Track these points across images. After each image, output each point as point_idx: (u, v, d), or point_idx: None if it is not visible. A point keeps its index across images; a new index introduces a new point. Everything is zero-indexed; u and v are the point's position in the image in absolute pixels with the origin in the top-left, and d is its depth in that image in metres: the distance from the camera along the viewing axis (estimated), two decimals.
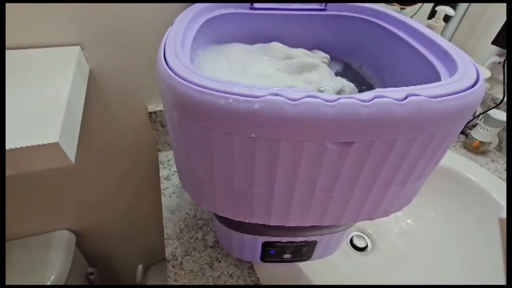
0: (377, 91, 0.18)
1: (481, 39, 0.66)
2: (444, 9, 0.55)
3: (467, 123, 0.69)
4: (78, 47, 0.43)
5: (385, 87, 0.18)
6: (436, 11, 0.57)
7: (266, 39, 0.38)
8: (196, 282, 0.39)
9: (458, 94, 0.18)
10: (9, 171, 0.30)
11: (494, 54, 0.65)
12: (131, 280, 0.95)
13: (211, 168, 0.21)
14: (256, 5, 0.36)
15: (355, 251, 0.58)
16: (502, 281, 0.19)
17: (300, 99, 0.17)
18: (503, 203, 0.52)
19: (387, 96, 0.17)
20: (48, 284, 0.61)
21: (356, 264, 0.56)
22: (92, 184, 0.64)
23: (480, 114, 0.64)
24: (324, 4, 0.36)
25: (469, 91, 0.19)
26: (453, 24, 0.63)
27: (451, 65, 0.22)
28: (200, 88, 0.18)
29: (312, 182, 0.20)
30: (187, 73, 0.19)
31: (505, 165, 0.63)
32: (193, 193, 0.26)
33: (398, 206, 0.25)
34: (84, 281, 0.75)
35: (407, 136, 0.18)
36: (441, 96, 0.18)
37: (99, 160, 0.59)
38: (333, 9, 0.37)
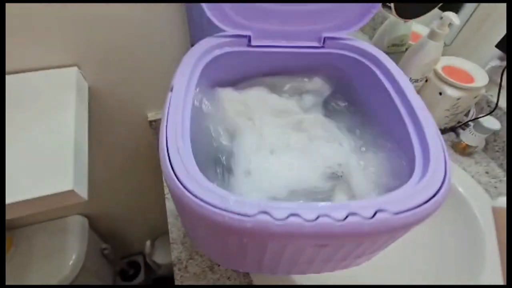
0: (350, 207, 0.21)
1: (485, 42, 0.64)
2: (449, 17, 0.53)
3: (459, 123, 0.71)
4: (75, 68, 0.44)
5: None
6: (441, 17, 0.55)
7: (265, 74, 0.39)
8: (199, 283, 0.46)
9: (420, 207, 0.21)
10: (23, 213, 0.33)
11: (496, 58, 0.64)
12: (140, 248, 1.07)
13: (211, 246, 0.25)
14: (254, 42, 0.36)
15: None
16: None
17: (284, 218, 0.20)
18: (476, 211, 0.56)
19: (358, 214, 0.20)
20: (70, 263, 0.70)
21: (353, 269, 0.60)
22: (99, 176, 0.68)
23: (473, 119, 0.66)
24: (322, 41, 0.36)
25: (430, 202, 0.22)
26: (454, 28, 0.60)
27: (426, 158, 0.25)
28: (198, 202, 0.21)
29: (293, 262, 0.25)
30: (189, 180, 0.21)
31: (487, 167, 0.68)
32: (197, 246, 0.30)
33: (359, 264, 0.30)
34: (100, 256, 0.84)
35: (370, 240, 0.22)
36: (405, 211, 0.21)
37: (104, 159, 0.63)
38: (331, 47, 0.36)
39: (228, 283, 0.47)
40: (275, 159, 0.31)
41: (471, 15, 0.60)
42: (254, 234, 0.20)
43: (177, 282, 0.46)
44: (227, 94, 0.35)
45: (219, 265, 0.48)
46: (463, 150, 0.68)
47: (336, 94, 0.39)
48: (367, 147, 0.33)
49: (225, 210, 0.20)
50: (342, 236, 0.20)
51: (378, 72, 0.33)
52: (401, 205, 0.21)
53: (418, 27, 0.69)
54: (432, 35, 0.57)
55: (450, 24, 0.55)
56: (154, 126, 0.56)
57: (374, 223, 0.20)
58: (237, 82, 0.40)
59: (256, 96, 0.35)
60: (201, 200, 0.21)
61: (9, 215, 0.32)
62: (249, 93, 0.36)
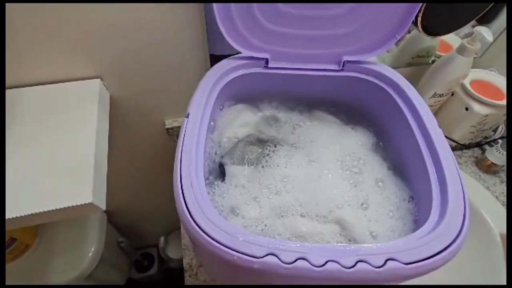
0: (360, 253, 0.20)
1: None
2: (481, 32, 0.50)
3: (486, 138, 0.67)
4: (98, 80, 0.45)
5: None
6: (472, 32, 0.51)
7: (282, 97, 0.38)
8: None
9: (433, 258, 0.21)
10: (43, 221, 0.34)
11: None
12: (154, 241, 1.11)
13: (221, 274, 0.26)
14: (271, 64, 0.35)
15: None
16: None
17: (292, 262, 0.20)
18: (496, 230, 0.54)
19: (368, 262, 0.20)
20: (90, 255, 0.74)
21: None
22: (118, 179, 0.71)
23: (502, 138, 0.62)
24: (341, 65, 0.35)
25: (444, 253, 0.21)
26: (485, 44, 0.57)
27: (444, 205, 0.24)
28: (210, 240, 0.21)
29: None
30: (201, 217, 0.22)
31: None
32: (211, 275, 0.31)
33: None
34: (116, 248, 0.89)
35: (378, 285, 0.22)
36: (416, 262, 0.20)
37: (123, 162, 0.65)
38: (351, 70, 0.35)
39: None
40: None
41: (505, 28, 0.56)
42: (261, 274, 0.21)
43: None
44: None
45: None
46: (487, 168, 0.65)
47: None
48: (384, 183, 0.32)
49: (234, 250, 0.21)
50: (350, 281, 0.20)
51: (399, 100, 0.32)
52: (412, 255, 0.21)
53: (447, 36, 0.66)
54: (461, 50, 0.53)
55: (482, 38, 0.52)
56: (171, 133, 0.58)
57: (383, 272, 0.20)
58: (255, 99, 0.40)
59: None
60: (212, 238, 0.21)
61: (28, 223, 0.34)
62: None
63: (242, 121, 0.39)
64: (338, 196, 0.30)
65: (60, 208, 0.33)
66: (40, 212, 0.32)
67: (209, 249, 0.21)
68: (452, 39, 0.64)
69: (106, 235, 0.80)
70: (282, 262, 0.20)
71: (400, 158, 0.33)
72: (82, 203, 0.34)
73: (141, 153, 0.64)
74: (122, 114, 0.53)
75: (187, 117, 0.29)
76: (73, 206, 0.33)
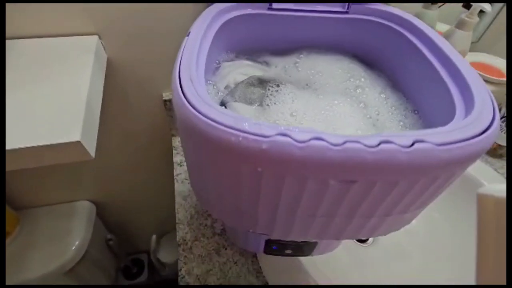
0: (384, 135, 0.18)
1: None
2: (480, 5, 0.51)
3: None
4: (96, 37, 0.44)
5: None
6: (470, 5, 0.52)
7: (286, 41, 0.37)
8: (203, 266, 0.43)
9: (466, 142, 0.18)
10: (30, 165, 0.32)
11: None
12: (145, 245, 1.04)
13: (220, 189, 0.23)
14: (275, 5, 0.34)
15: (357, 242, 0.60)
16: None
17: (306, 141, 0.17)
18: None
19: (394, 142, 0.17)
20: (73, 248, 0.68)
21: (356, 255, 0.58)
22: (110, 161, 0.68)
23: (503, 117, 0.61)
24: (346, 6, 0.35)
25: (479, 137, 0.18)
26: (486, 19, 0.58)
27: (469, 101, 0.22)
28: (211, 123, 0.18)
29: (312, 210, 0.22)
30: (200, 103, 0.20)
31: None
32: (203, 203, 0.28)
33: (397, 228, 0.27)
34: (104, 246, 0.82)
35: (409, 179, 0.19)
36: (449, 143, 0.18)
37: (116, 140, 0.62)
38: (356, 12, 0.35)
39: (234, 268, 0.43)
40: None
41: (500, 9, 0.57)
42: (271, 159, 0.18)
43: (180, 264, 0.43)
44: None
45: (225, 248, 0.45)
46: (494, 151, 0.63)
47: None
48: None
49: (240, 130, 0.18)
50: (374, 166, 0.18)
51: (410, 36, 0.31)
52: (444, 137, 0.18)
53: (442, 27, 0.67)
54: (460, 24, 0.54)
55: (480, 13, 0.53)
56: (169, 106, 0.56)
57: (412, 152, 0.17)
58: (256, 50, 0.39)
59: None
60: (214, 121, 0.18)
61: (12, 165, 0.31)
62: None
63: (242, 71, 0.37)
64: (352, 120, 0.28)
65: (47, 145, 0.30)
66: (26, 148, 0.30)
67: (211, 134, 0.18)
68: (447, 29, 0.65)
69: (93, 229, 0.75)
70: (296, 140, 0.17)
71: (405, 80, 0.32)
72: (70, 140, 0.31)
73: (136, 130, 0.61)
74: (118, 83, 0.52)
75: (188, 35, 0.27)
76: (59, 145, 0.31)
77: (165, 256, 0.96)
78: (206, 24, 0.29)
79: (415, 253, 0.57)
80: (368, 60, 0.37)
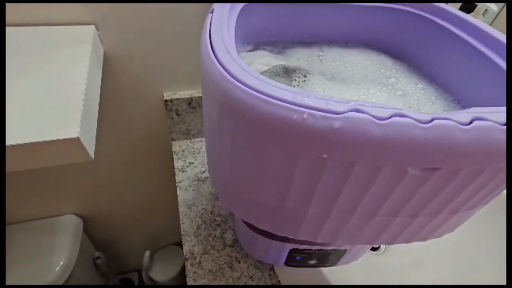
0: (475, 111, 0.15)
1: None
2: (485, 5, 0.51)
3: None
4: (93, 27, 0.40)
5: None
6: (470, 7, 0.53)
7: (307, 33, 0.35)
8: (215, 283, 0.38)
9: None
10: (25, 166, 0.27)
11: None
12: (137, 264, 0.96)
13: (261, 184, 0.19)
14: None
15: (369, 250, 0.57)
16: None
17: (388, 118, 0.14)
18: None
19: (489, 119, 0.14)
20: (57, 269, 0.60)
21: (369, 263, 0.55)
22: (101, 170, 0.62)
23: None
24: None
25: None
26: (487, 18, 0.58)
27: None
28: (266, 98, 0.15)
29: (376, 206, 0.18)
30: (247, 77, 0.16)
31: None
32: (231, 204, 0.24)
33: (452, 229, 0.23)
34: (91, 265, 0.74)
35: (499, 164, 0.16)
36: None
37: (110, 146, 0.57)
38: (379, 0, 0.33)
39: (250, 283, 0.38)
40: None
41: (501, 9, 0.58)
42: (344, 140, 0.14)
43: (189, 281, 0.38)
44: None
45: (239, 261, 0.40)
46: None
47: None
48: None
49: (303, 106, 0.14)
50: (467, 148, 0.14)
51: (441, 22, 0.29)
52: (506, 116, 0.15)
53: None
54: None
55: (485, 12, 0.53)
56: (170, 107, 0.51)
57: (472, 132, 0.14)
58: (276, 43, 0.36)
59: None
60: (269, 96, 0.15)
61: (7, 166, 0.26)
62: None
63: (264, 61, 0.34)
64: None
65: (41, 143, 0.25)
66: (16, 145, 0.25)
67: (265, 111, 0.15)
68: None
69: (80, 247, 0.67)
70: (375, 117, 0.14)
71: (439, 68, 0.30)
72: (67, 137, 0.26)
73: (132, 134, 0.56)
74: (114, 81, 0.47)
75: (212, 12, 0.24)
76: (57, 141, 0.26)
77: (158, 274, 0.89)
78: (228, 5, 0.26)
79: (428, 258, 0.55)
80: (396, 54, 0.35)
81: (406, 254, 0.56)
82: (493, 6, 0.51)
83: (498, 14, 0.58)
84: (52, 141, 0.26)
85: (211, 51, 0.18)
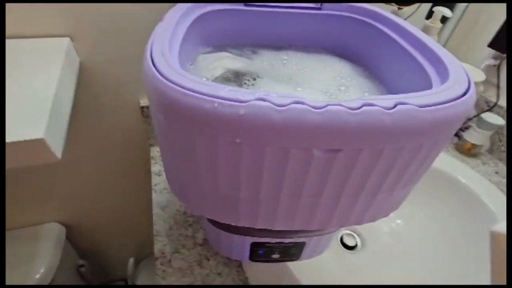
0: (365, 98, 0.17)
1: (477, 42, 0.66)
2: (441, 10, 0.55)
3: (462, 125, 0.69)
4: (67, 39, 0.42)
5: (377, 90, 0.18)
6: (433, 12, 0.56)
7: (260, 37, 0.38)
8: (184, 280, 0.39)
9: (448, 104, 0.18)
10: None
11: (489, 57, 0.65)
12: (122, 273, 0.95)
13: (196, 171, 0.21)
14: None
15: (345, 249, 0.58)
16: (488, 282, 0.19)
17: (287, 105, 0.16)
18: (492, 207, 0.53)
19: (376, 105, 0.17)
20: (36, 276, 0.61)
21: (345, 262, 0.56)
22: (82, 177, 0.63)
23: (474, 116, 0.64)
24: (319, 3, 0.36)
25: (459, 100, 0.18)
26: (449, 25, 0.62)
27: (443, 72, 0.22)
28: (184, 90, 0.17)
29: (298, 188, 0.20)
30: (172, 73, 0.18)
31: (495, 168, 0.64)
32: (179, 195, 0.25)
33: (386, 212, 0.25)
34: (74, 273, 0.74)
35: (395, 145, 0.18)
36: (431, 105, 0.17)
37: (89, 153, 0.59)
38: (328, 9, 0.36)
39: (218, 279, 0.40)
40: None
41: (462, 15, 0.62)
42: (250, 125, 0.16)
43: (157, 278, 0.39)
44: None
45: (208, 259, 0.42)
46: (468, 151, 0.66)
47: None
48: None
49: (215, 97, 0.17)
50: (358, 130, 0.17)
51: (380, 26, 0.32)
52: (426, 99, 0.18)
53: None
54: (425, 30, 0.58)
55: (443, 19, 0.57)
56: (146, 113, 0.54)
57: (395, 114, 0.17)
58: (237, 45, 0.38)
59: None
60: (187, 89, 0.17)
61: None
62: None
63: (222, 63, 0.36)
64: None
65: (10, 143, 0.27)
66: None
67: (185, 102, 0.17)
68: None
69: (62, 255, 0.68)
70: (275, 104, 0.16)
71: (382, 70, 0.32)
72: (32, 138, 0.28)
73: (111, 142, 0.58)
74: (91, 90, 0.49)
75: (162, 21, 0.27)
76: (22, 143, 0.28)
77: (144, 282, 0.88)
78: (180, 13, 0.29)
79: (404, 256, 0.56)
80: (351, 58, 0.38)
81: (381, 252, 0.58)
82: (448, 12, 0.55)
83: (458, 21, 0.62)
84: (20, 141, 0.28)
85: (149, 54, 0.21)
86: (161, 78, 0.18)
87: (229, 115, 0.16)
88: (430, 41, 0.25)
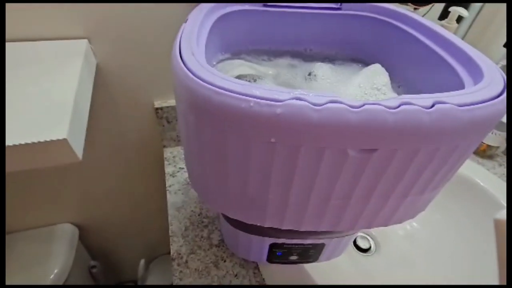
0: (403, 97, 0.17)
1: (493, 42, 0.65)
2: (457, 10, 0.54)
3: None
4: (85, 41, 0.43)
5: (404, 93, 0.18)
6: (448, 12, 0.56)
7: (279, 38, 0.37)
8: (201, 281, 0.39)
9: (485, 103, 0.17)
10: (15, 167, 0.29)
11: (505, 57, 0.64)
12: (133, 274, 0.96)
13: (225, 172, 0.21)
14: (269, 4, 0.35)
15: (359, 252, 0.58)
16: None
17: (323, 104, 0.16)
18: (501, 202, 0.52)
19: (414, 103, 0.17)
20: (51, 277, 0.61)
21: (359, 265, 0.55)
22: (95, 178, 0.63)
23: None
24: (339, 3, 0.35)
25: (496, 99, 0.18)
26: (464, 25, 0.61)
27: (475, 72, 0.21)
28: (218, 90, 0.17)
29: (329, 189, 0.20)
30: (205, 72, 0.18)
31: None
32: (203, 194, 0.25)
33: (413, 214, 0.25)
34: (86, 274, 0.75)
35: (431, 145, 0.18)
36: (469, 105, 0.17)
37: (103, 154, 0.59)
38: (348, 9, 0.36)
39: (235, 281, 0.39)
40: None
41: (476, 15, 0.61)
42: (286, 125, 0.16)
43: (175, 280, 0.39)
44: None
45: (224, 260, 0.42)
46: (483, 152, 0.64)
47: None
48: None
49: (251, 96, 0.17)
50: (396, 130, 0.16)
51: (402, 26, 0.32)
52: (464, 98, 0.17)
53: None
54: None
55: (458, 19, 0.56)
56: (161, 114, 0.54)
57: (434, 113, 0.16)
58: (254, 51, 0.38)
59: None
60: (221, 88, 0.17)
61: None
62: None
63: (236, 72, 0.36)
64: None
65: (30, 144, 0.28)
66: (16, 145, 0.27)
67: (218, 101, 0.17)
68: None
69: (75, 256, 0.68)
70: (312, 103, 0.16)
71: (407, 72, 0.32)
72: (55, 138, 0.28)
73: (124, 143, 0.58)
74: (107, 92, 0.50)
75: (186, 22, 0.27)
76: (45, 143, 0.28)
77: (154, 283, 0.89)
78: (203, 14, 0.29)
79: (418, 259, 0.56)
80: (370, 59, 0.37)
81: (396, 255, 0.57)
82: (464, 12, 0.54)
83: (473, 21, 0.61)
84: (43, 142, 0.28)
85: (178, 53, 0.21)
86: (193, 77, 0.18)
87: (265, 115, 0.16)
88: (459, 41, 0.25)
